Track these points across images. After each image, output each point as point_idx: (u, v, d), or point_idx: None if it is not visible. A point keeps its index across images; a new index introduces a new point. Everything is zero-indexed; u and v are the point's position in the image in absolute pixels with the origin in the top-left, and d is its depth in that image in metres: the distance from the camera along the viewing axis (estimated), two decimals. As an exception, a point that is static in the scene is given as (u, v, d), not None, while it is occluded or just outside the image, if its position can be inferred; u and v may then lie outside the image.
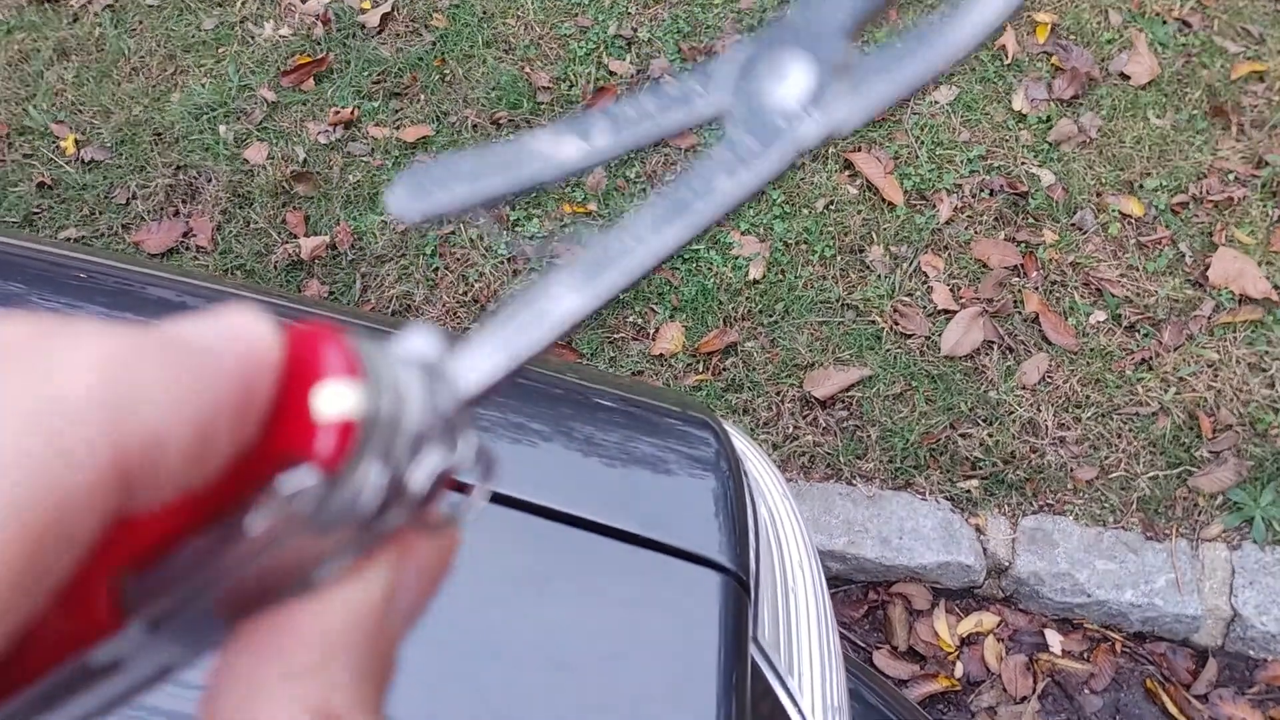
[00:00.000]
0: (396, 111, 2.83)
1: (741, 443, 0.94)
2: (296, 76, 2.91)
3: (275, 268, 2.56)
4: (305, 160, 2.74)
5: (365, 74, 2.90)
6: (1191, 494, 2.15)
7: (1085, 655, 2.11)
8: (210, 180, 2.73)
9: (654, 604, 0.74)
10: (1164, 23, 2.81)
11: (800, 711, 0.83)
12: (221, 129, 2.82)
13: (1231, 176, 2.53)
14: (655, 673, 0.72)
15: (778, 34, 0.27)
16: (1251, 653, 2.08)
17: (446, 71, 2.89)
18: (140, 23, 3.10)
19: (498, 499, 0.76)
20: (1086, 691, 2.06)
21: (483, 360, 0.25)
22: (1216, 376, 2.26)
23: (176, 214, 2.69)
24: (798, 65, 0.27)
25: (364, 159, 2.73)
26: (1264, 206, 2.48)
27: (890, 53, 0.27)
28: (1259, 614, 2.04)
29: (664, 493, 0.79)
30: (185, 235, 2.64)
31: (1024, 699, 2.05)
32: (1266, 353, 2.28)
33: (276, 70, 2.94)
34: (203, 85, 2.92)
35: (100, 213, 2.70)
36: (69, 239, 2.65)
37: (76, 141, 2.83)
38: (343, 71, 2.92)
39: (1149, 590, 2.07)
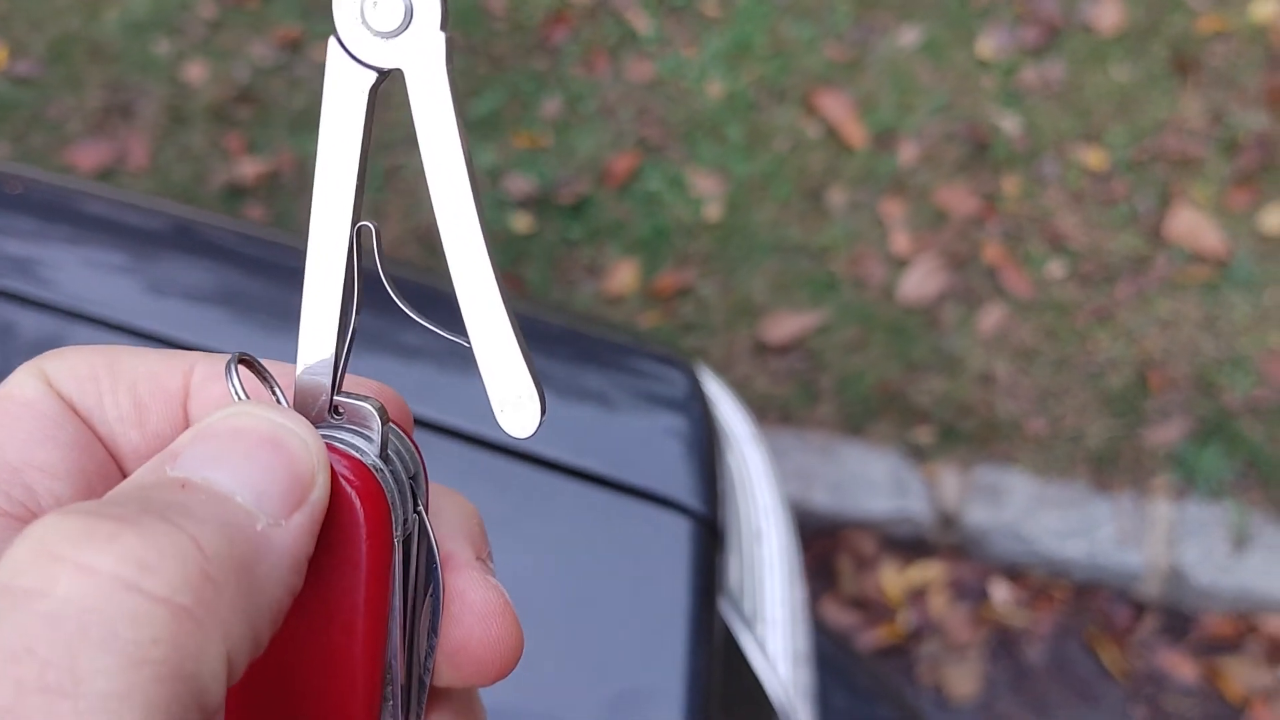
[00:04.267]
0: (345, 34, 2.72)
1: (714, 386, 0.91)
2: (240, -7, 2.79)
3: (214, 192, 2.47)
4: (248, 82, 2.63)
5: (313, -7, 2.79)
6: (1138, 448, 2.17)
7: (1029, 605, 2.13)
8: (148, 99, 2.62)
9: (621, 548, 0.71)
10: (1130, -26, 2.79)
11: (767, 658, 0.81)
12: (161, 46, 2.70)
13: (1190, 133, 2.53)
14: (622, 619, 0.70)
15: None
16: (1189, 604, 2.11)
17: (398, -6, 2.79)
18: (74, -71, 2.95)
19: (456, 435, 0.72)
20: (1029, 641, 2.09)
21: None
22: (1167, 332, 2.27)
23: (112, 134, 2.58)
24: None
25: (310, 82, 2.63)
26: (1220, 164, 2.48)
27: None
28: (1198, 567, 2.07)
29: (633, 434, 0.76)
30: (120, 156, 2.54)
31: (968, 647, 2.07)
32: (1217, 310, 2.30)
33: (219, -14, 2.82)
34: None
35: (31, 130, 2.58)
36: (-4, 156, 2.54)
37: (8, 54, 2.70)
38: (289, -10, 2.81)
39: (1093, 542, 2.09)
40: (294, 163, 2.49)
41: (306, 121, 2.57)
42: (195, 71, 2.65)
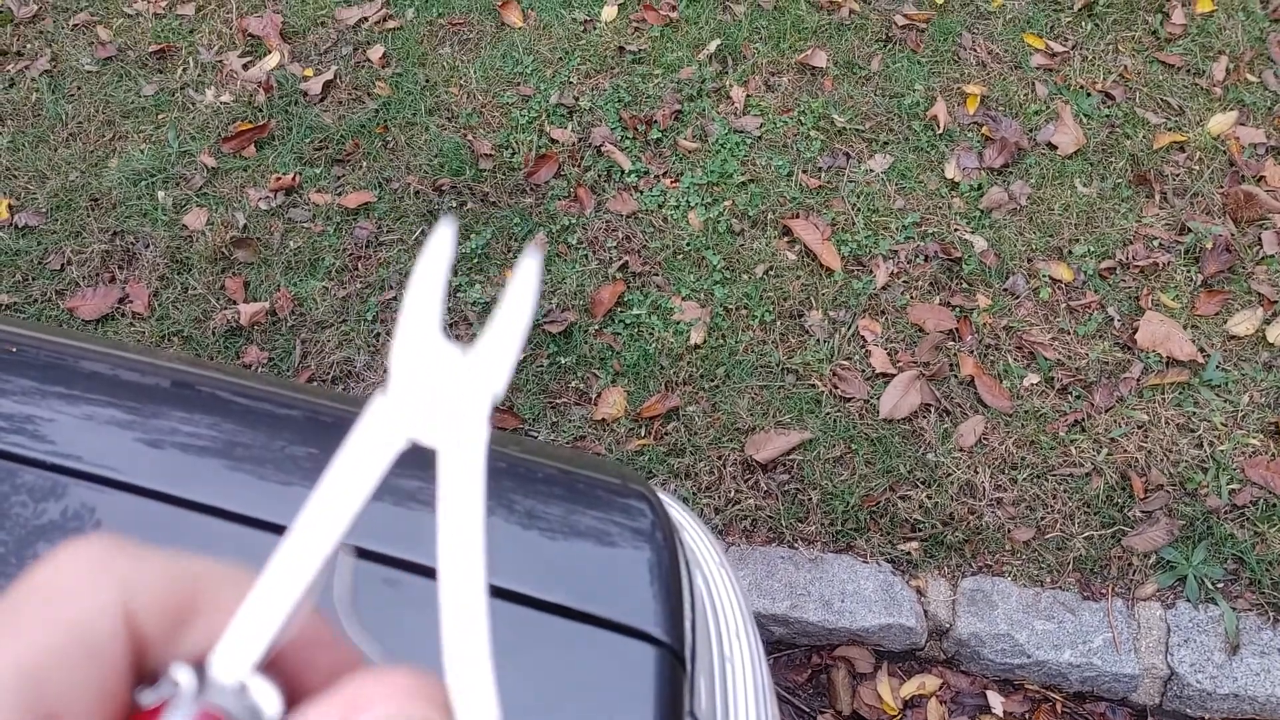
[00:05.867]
0: (339, 178, 2.83)
1: (677, 512, 0.94)
2: (237, 143, 2.91)
3: (213, 334, 2.53)
4: (245, 226, 2.73)
5: (307, 140, 2.90)
6: (1126, 553, 2.19)
7: (1027, 716, 2.12)
8: (148, 246, 2.71)
9: (588, 679, 0.74)
10: (1088, 95, 2.91)
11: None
12: (160, 195, 2.80)
13: (1156, 243, 2.61)
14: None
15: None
16: (1189, 711, 2.10)
17: (389, 139, 2.91)
18: (78, 88, 3.08)
19: (427, 572, 0.75)
20: (1028, 753, 2.07)
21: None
22: (1147, 437, 2.31)
23: (113, 280, 2.66)
24: (444, 378, 0.31)
25: (305, 225, 2.72)
26: (1187, 272, 2.56)
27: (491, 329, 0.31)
28: (1195, 672, 2.06)
29: (599, 565, 0.79)
30: (121, 301, 2.61)
31: (967, 762, 2.05)
32: (1194, 413, 2.34)
33: (217, 136, 2.94)
34: (142, 151, 2.90)
35: (33, 278, 2.66)
36: (0, 305, 2.61)
37: (10, 207, 2.80)
38: (284, 138, 2.92)
39: (1087, 650, 2.09)
40: (290, 302, 2.57)
41: (301, 262, 2.65)
42: (195, 218, 2.74)
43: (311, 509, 0.29)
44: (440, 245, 0.31)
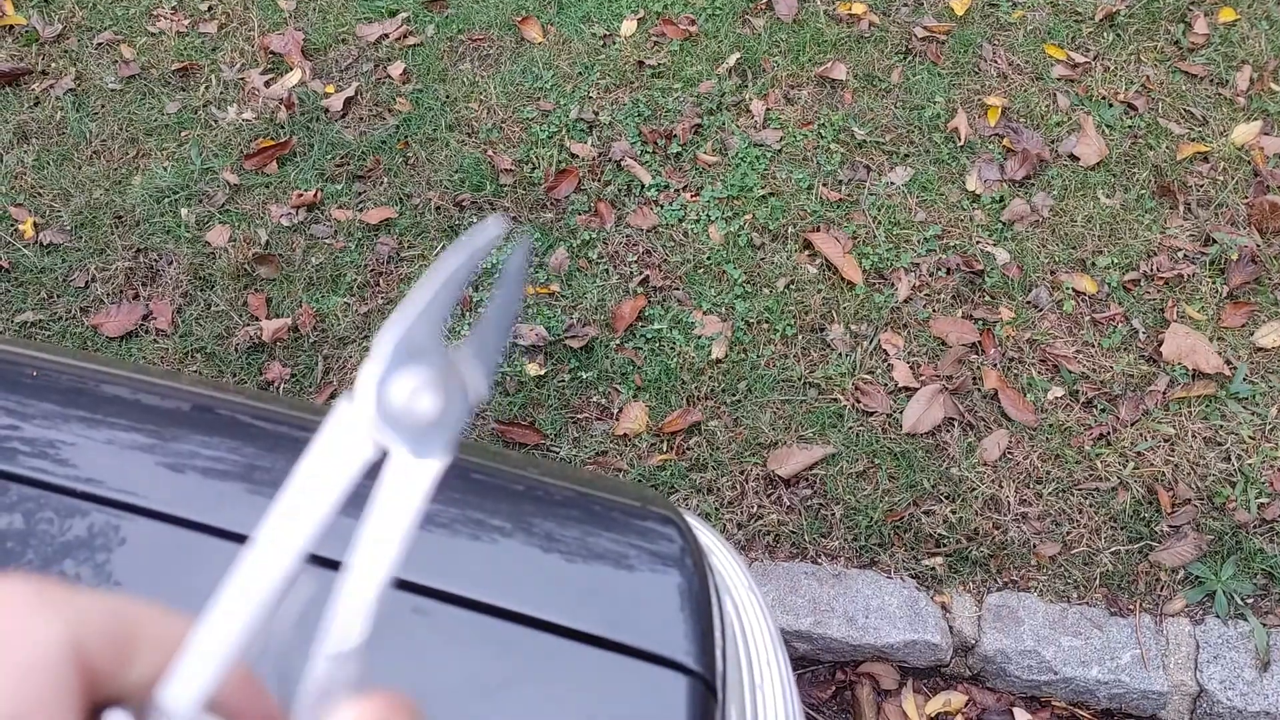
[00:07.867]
0: (360, 194, 2.84)
1: (706, 535, 0.93)
2: (259, 160, 2.92)
3: (236, 350, 2.54)
4: (267, 242, 2.74)
5: (328, 157, 2.91)
6: (1153, 569, 2.16)
7: (1054, 734, 2.10)
8: (171, 263, 2.72)
9: (618, 709, 0.73)
10: (1110, 106, 2.90)
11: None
12: (183, 212, 2.81)
13: (1180, 254, 2.59)
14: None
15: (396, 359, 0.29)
16: (1219, 728, 2.08)
17: (410, 155, 2.92)
18: (102, 106, 3.11)
19: (452, 600, 0.75)
20: (1056, 771, 2.05)
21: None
22: (1173, 451, 2.29)
23: (136, 297, 2.67)
24: (422, 381, 0.28)
25: (327, 241, 2.73)
26: (1213, 283, 2.54)
27: (476, 330, 0.30)
28: (1224, 689, 2.04)
29: (627, 592, 0.79)
30: (145, 318, 2.62)
31: (994, 780, 2.03)
32: (1221, 427, 2.31)
33: (239, 153, 2.95)
34: (165, 168, 2.92)
35: (58, 296, 2.68)
36: (25, 322, 2.63)
37: (35, 224, 2.82)
38: (306, 155, 2.94)
39: (1115, 667, 2.07)
40: (312, 318, 2.57)
41: (323, 278, 2.66)
42: (217, 235, 2.76)
43: (267, 529, 0.27)
44: (483, 240, 0.28)
